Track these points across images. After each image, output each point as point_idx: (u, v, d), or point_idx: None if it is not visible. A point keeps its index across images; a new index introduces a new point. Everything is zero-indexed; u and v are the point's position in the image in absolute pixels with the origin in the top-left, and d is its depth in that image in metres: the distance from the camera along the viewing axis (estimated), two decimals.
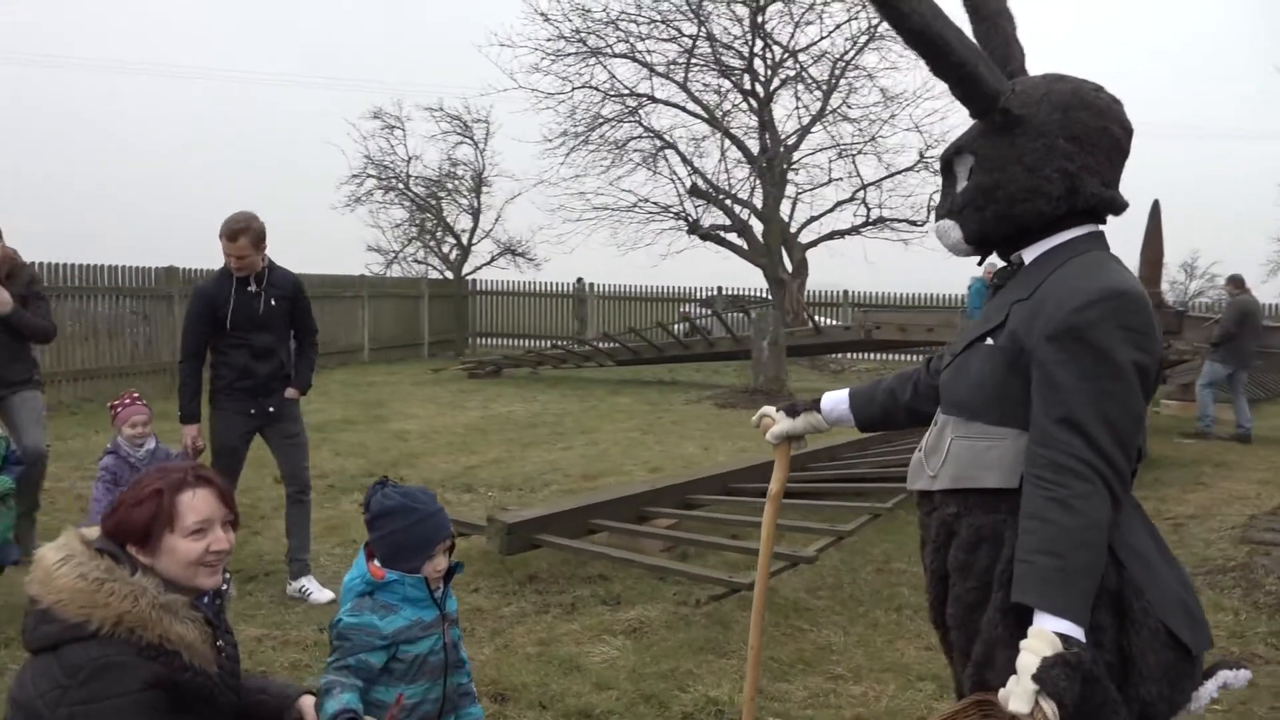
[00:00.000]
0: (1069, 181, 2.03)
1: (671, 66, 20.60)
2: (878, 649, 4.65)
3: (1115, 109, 2.09)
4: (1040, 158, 2.04)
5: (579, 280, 23.30)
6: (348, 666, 2.55)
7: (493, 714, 3.83)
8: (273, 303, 5.24)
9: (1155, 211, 11.81)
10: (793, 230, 21.69)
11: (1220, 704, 4.04)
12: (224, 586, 2.93)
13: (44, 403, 5.82)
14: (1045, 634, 1.80)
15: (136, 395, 5.07)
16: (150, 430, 5.02)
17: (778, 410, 2.65)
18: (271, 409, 5.27)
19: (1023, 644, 1.83)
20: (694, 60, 20.56)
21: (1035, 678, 1.75)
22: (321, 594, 5.18)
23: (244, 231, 5.10)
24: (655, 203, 21.67)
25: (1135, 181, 2.20)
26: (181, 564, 2.36)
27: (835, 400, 2.61)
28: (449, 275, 23.87)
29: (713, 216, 21.69)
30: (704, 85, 21.11)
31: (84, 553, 2.27)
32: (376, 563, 2.66)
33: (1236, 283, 12.08)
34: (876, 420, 2.58)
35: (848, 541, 6.05)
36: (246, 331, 5.17)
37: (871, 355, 20.59)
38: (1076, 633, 1.82)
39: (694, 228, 21.40)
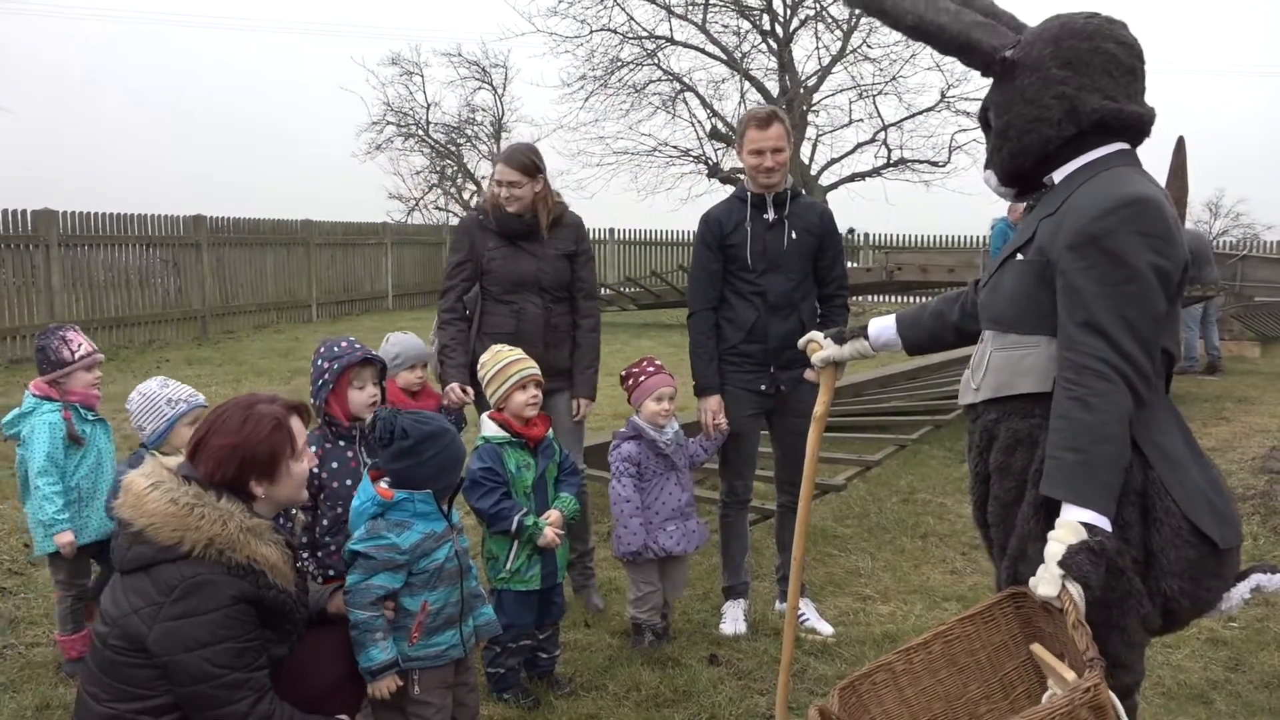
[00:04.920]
0: (1067, 104, 2.16)
1: (690, 7, 20.44)
2: (904, 573, 4.82)
3: (1108, 28, 2.19)
4: (1038, 89, 2.19)
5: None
6: (377, 599, 2.69)
7: None
8: (794, 236, 3.99)
9: (1180, 148, 11.73)
10: (813, 173, 21.61)
11: (1237, 621, 4.19)
12: (294, 510, 3.12)
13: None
14: (1071, 524, 1.95)
15: (659, 362, 3.99)
16: (674, 406, 3.98)
17: (825, 336, 2.77)
18: (783, 386, 4.04)
19: (1050, 534, 1.98)
20: (712, 1, 20.38)
21: (1061, 563, 1.91)
22: (823, 626, 4.13)
23: (778, 117, 3.92)
24: (675, 146, 21.65)
25: (1159, 119, 2.28)
26: (296, 484, 2.56)
27: (882, 326, 2.71)
28: None
29: (733, 160, 21.59)
30: (723, 26, 20.97)
31: (172, 479, 2.41)
32: (384, 484, 2.79)
33: None
34: (924, 343, 2.69)
35: (873, 473, 6.22)
36: (759, 274, 3.97)
37: (893, 298, 20.57)
38: (1101, 522, 1.96)
39: (714, 171, 21.35)
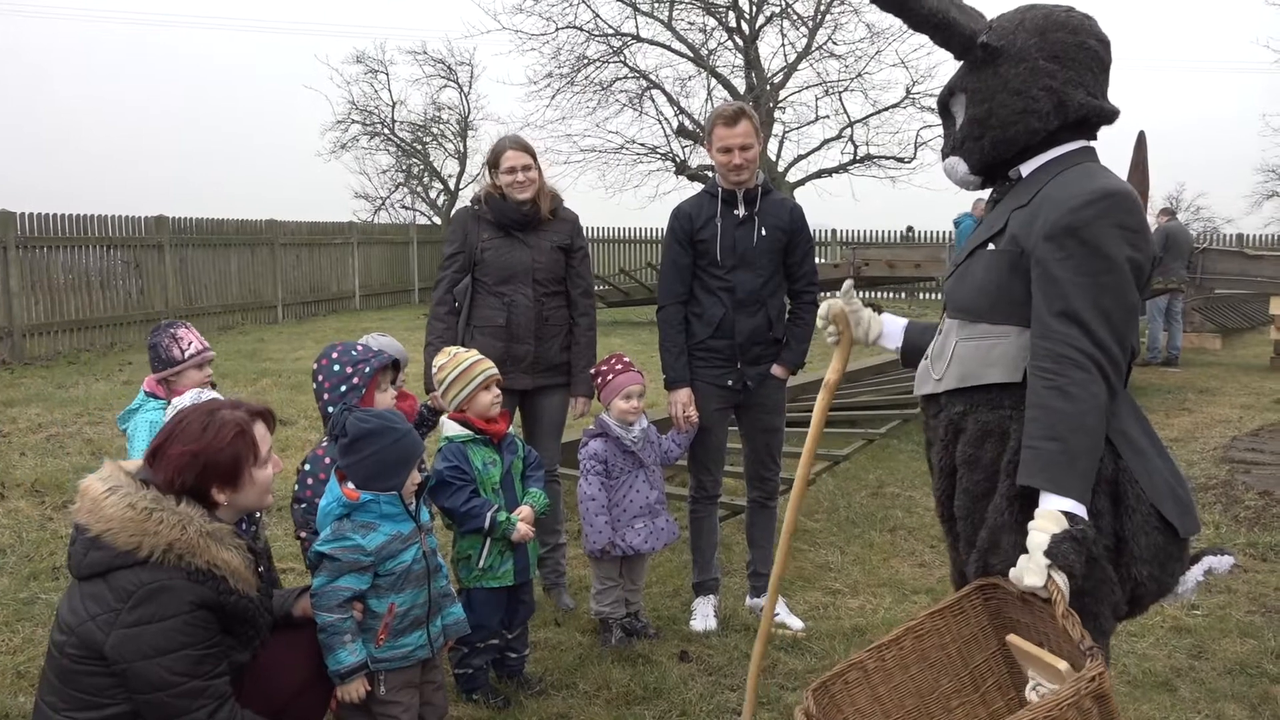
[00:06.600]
0: (1055, 97, 2.17)
1: (656, 5, 20.38)
2: (873, 566, 4.84)
3: (1088, 24, 2.22)
4: (1025, 80, 2.19)
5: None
6: (345, 601, 2.67)
7: None
8: (764, 233, 3.98)
9: (1141, 143, 11.89)
10: (780, 169, 21.66)
11: (1200, 608, 4.25)
12: (258, 514, 3.07)
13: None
14: (1053, 513, 1.95)
15: (628, 359, 3.99)
16: (643, 404, 3.98)
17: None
18: (749, 382, 4.05)
19: (1031, 524, 1.98)
20: None
21: (1047, 553, 1.91)
22: (793, 620, 4.12)
23: (745, 114, 3.90)
24: (642, 144, 21.60)
25: (1122, 113, 2.30)
26: (260, 491, 2.50)
27: (895, 324, 2.64)
28: (437, 221, 23.83)
29: (700, 157, 21.60)
30: (689, 23, 20.92)
31: (130, 483, 2.35)
32: (351, 485, 2.76)
33: (1166, 212, 13.15)
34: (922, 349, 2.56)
35: (842, 467, 6.23)
36: (728, 270, 3.96)
37: (860, 293, 20.69)
38: (1080, 510, 1.97)
39: (682, 168, 21.35)
